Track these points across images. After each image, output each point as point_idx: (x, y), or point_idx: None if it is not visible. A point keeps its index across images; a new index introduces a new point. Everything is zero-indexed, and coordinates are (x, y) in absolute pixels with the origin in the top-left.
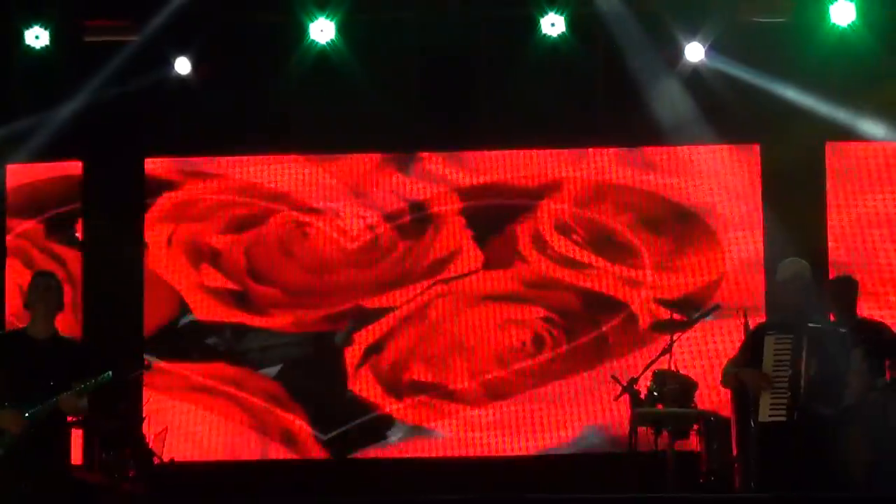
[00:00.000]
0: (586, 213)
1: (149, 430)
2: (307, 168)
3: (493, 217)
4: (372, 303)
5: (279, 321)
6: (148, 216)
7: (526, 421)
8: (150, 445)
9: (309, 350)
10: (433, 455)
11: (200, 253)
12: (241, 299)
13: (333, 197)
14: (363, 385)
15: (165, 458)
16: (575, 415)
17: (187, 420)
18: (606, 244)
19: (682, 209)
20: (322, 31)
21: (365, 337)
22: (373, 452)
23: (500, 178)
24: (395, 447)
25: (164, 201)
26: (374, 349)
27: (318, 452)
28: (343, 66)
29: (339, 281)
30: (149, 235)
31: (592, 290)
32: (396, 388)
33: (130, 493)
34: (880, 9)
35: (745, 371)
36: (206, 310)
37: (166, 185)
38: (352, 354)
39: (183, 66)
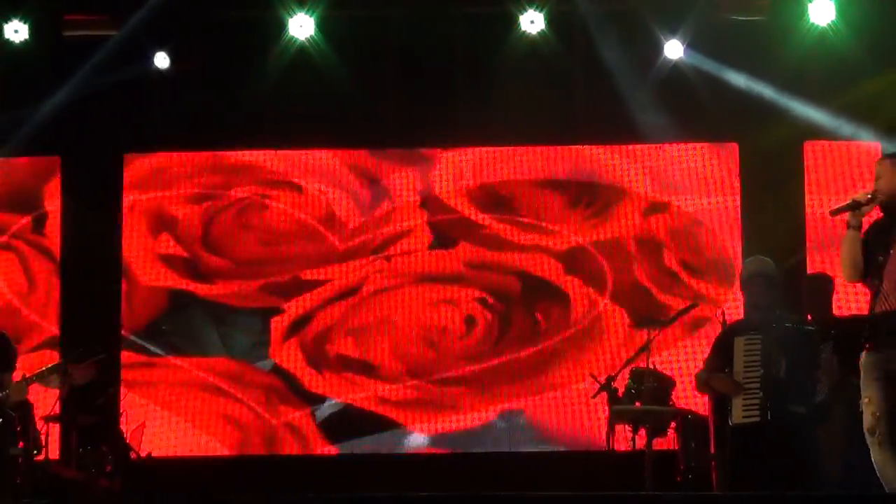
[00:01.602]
0: (559, 211)
1: (126, 425)
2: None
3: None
4: (309, 275)
5: (222, 290)
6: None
7: (442, 401)
8: (128, 440)
9: None
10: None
11: (163, 222)
12: (189, 267)
13: (298, 174)
14: (287, 356)
15: (143, 453)
16: (496, 399)
17: (167, 415)
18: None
19: (661, 207)
20: (301, 26)
21: (295, 308)
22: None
23: (477, 174)
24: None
25: (132, 171)
26: (303, 321)
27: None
28: (322, 63)
29: (287, 253)
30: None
31: (533, 274)
32: (319, 360)
33: (107, 488)
34: (859, 8)
35: (715, 378)
36: (152, 276)
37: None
38: (278, 324)
39: (162, 61)
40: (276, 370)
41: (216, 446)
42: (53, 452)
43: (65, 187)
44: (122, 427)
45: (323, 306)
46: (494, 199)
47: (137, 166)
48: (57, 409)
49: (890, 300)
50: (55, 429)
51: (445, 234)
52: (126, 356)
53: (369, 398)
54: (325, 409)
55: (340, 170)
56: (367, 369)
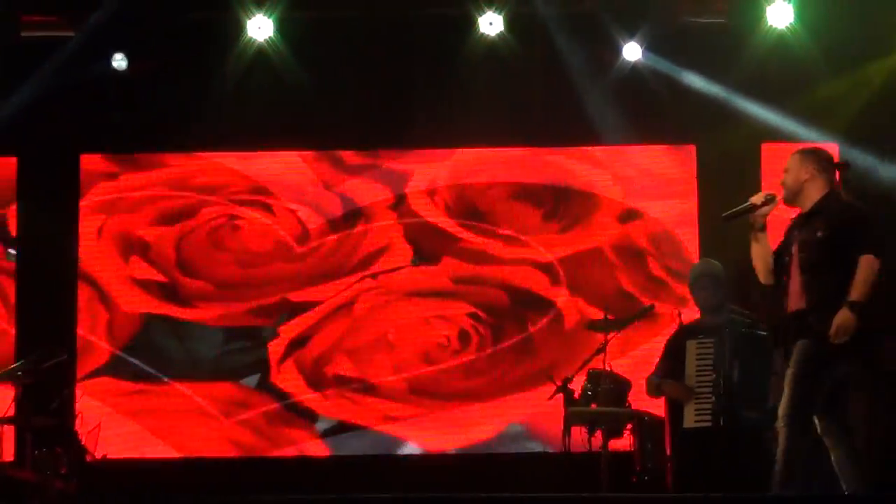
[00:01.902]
0: (521, 215)
1: (82, 426)
2: (239, 164)
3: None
4: (298, 296)
5: (206, 314)
6: (82, 208)
7: (448, 417)
8: (83, 442)
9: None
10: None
11: (131, 245)
12: (168, 292)
13: (265, 191)
14: (286, 378)
15: (98, 455)
16: (499, 412)
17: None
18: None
19: (620, 209)
20: (260, 28)
21: (290, 330)
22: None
23: (438, 176)
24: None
25: (97, 193)
26: (299, 343)
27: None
28: (281, 64)
29: (268, 274)
30: (81, 227)
31: (520, 288)
32: (319, 382)
33: (62, 490)
34: (818, 10)
35: (666, 384)
36: (131, 302)
37: (101, 177)
38: (275, 348)
39: (120, 62)
40: (267, 388)
41: (171, 450)
42: (7, 454)
43: (21, 188)
44: (78, 429)
45: (318, 327)
46: (468, 208)
47: (102, 189)
48: (11, 411)
49: (796, 300)
50: (10, 431)
51: (424, 248)
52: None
53: (373, 417)
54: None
55: (307, 183)
56: (368, 388)
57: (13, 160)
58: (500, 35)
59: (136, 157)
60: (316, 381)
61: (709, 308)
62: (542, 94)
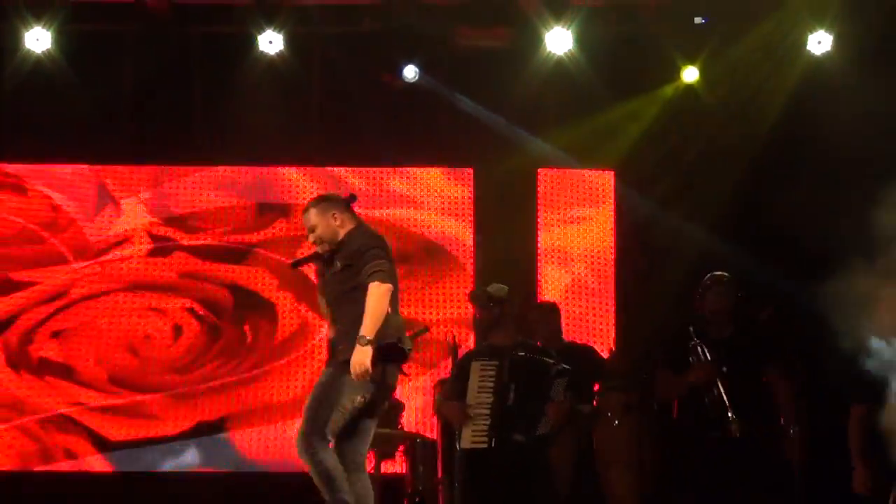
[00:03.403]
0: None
1: None
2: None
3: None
4: (21, 276)
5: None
6: None
7: (140, 410)
8: None
9: None
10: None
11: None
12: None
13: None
14: None
15: None
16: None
17: None
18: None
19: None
20: (38, 40)
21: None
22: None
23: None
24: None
25: None
26: (7, 323)
27: None
28: (58, 76)
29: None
30: None
31: (245, 288)
32: (19, 362)
33: None
34: (596, 38)
35: (446, 405)
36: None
37: None
38: None
39: None
40: None
41: None
42: None
43: None
44: None
45: (29, 308)
46: (213, 217)
47: None
48: None
49: (330, 329)
50: None
51: (161, 245)
52: None
53: (68, 403)
54: None
55: (71, 177)
56: (68, 373)
57: None
58: (279, 54)
59: None
60: (17, 361)
61: (494, 330)
62: (322, 114)
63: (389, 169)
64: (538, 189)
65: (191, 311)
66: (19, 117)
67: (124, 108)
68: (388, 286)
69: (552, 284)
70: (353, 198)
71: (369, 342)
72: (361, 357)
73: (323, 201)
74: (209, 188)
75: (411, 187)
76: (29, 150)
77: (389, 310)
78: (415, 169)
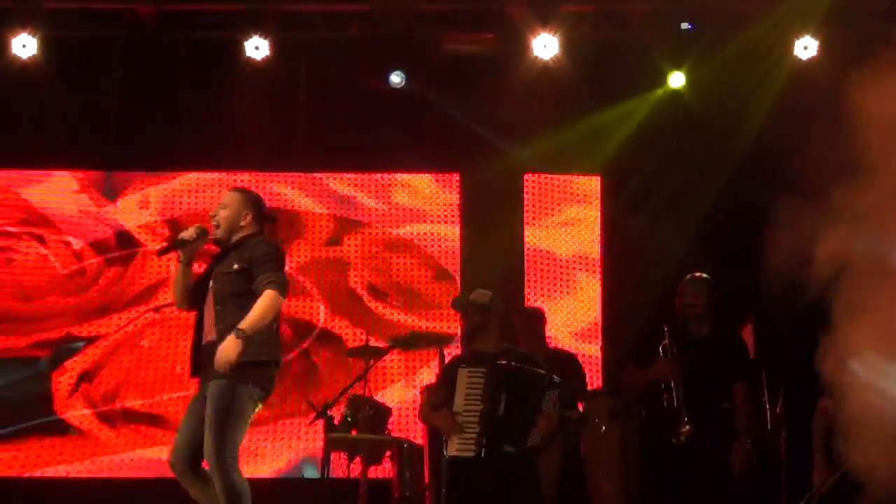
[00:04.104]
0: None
1: None
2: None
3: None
4: (81, 330)
5: None
6: None
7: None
8: None
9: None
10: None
11: None
12: None
13: (37, 220)
14: (76, 413)
15: None
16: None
17: None
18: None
19: (387, 237)
20: (24, 46)
21: (77, 364)
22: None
23: (206, 203)
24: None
25: None
26: (87, 377)
27: None
28: (43, 82)
29: (47, 308)
30: None
31: (301, 319)
32: (110, 416)
33: None
34: (582, 43)
35: (433, 415)
36: None
37: None
38: (65, 382)
39: None
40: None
41: None
42: None
43: None
44: None
45: (104, 361)
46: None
47: None
48: None
49: (209, 330)
50: None
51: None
52: None
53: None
54: None
55: (78, 207)
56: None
57: None
58: (265, 59)
59: None
60: (106, 415)
61: (478, 337)
62: (309, 119)
63: (376, 174)
64: (525, 194)
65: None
66: (4, 123)
67: (111, 115)
68: (282, 300)
69: (538, 290)
70: (272, 219)
71: (245, 338)
72: (231, 348)
73: (247, 196)
74: (195, 193)
75: (398, 193)
76: (14, 157)
77: (271, 327)
78: (402, 175)
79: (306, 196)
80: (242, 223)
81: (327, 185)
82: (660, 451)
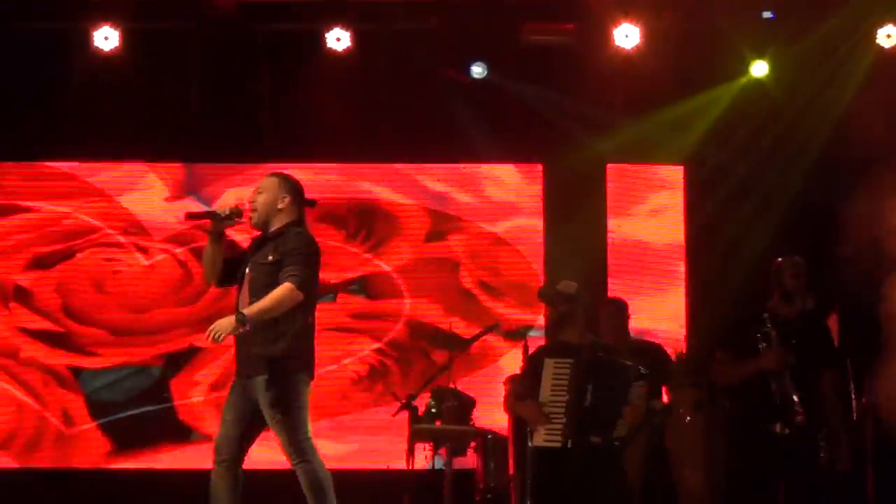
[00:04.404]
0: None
1: None
2: (104, 203)
3: None
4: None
5: (109, 361)
6: None
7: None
8: None
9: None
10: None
11: (5, 292)
12: (62, 341)
13: (136, 229)
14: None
15: None
16: (343, 428)
17: None
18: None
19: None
20: (107, 39)
21: (209, 377)
22: None
23: None
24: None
25: None
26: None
27: None
28: (125, 75)
29: (164, 319)
30: None
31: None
32: None
33: None
34: (664, 33)
35: (521, 406)
36: (30, 351)
37: None
38: (198, 392)
39: None
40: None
41: None
42: None
43: None
44: None
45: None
46: None
47: None
48: None
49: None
50: None
51: None
52: None
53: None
54: None
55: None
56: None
57: None
58: (347, 51)
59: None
60: None
61: (564, 328)
62: (389, 112)
63: (458, 165)
64: (607, 184)
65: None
66: (87, 116)
67: (191, 107)
68: (300, 295)
69: (622, 280)
70: (311, 202)
71: (245, 323)
72: (227, 325)
73: (286, 180)
74: None
75: (481, 184)
76: (96, 150)
77: (306, 321)
78: (484, 165)
79: (394, 190)
80: (280, 206)
81: (413, 177)
82: (760, 442)
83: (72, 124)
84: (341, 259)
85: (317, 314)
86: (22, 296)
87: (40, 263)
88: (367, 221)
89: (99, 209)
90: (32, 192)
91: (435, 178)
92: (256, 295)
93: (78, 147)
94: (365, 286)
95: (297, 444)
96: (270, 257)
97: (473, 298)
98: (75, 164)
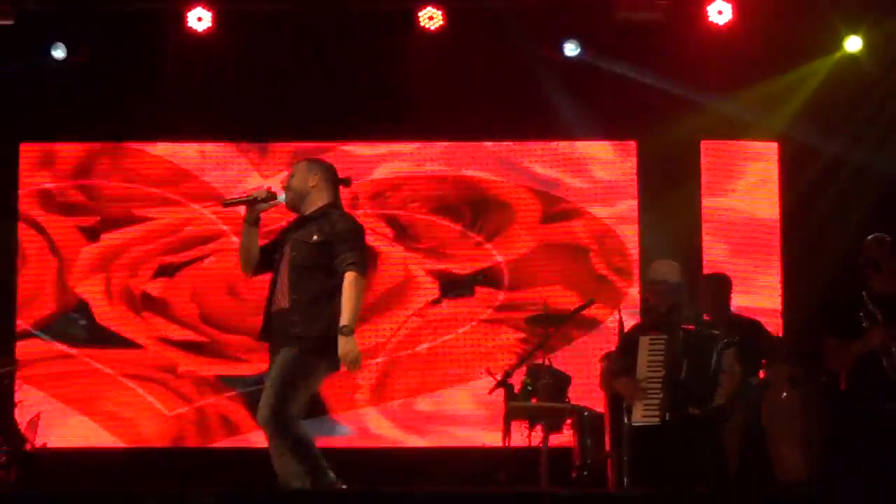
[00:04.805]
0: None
1: (21, 416)
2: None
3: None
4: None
5: (256, 368)
6: (76, 266)
7: (390, 410)
8: (23, 431)
9: None
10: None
11: (135, 302)
12: (211, 350)
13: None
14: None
15: (38, 444)
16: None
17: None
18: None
19: (563, 205)
20: (200, 19)
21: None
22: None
23: (380, 172)
24: None
25: (88, 253)
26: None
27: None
28: (220, 55)
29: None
30: (84, 287)
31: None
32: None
33: (1, 479)
34: (758, 8)
35: (619, 382)
36: (183, 363)
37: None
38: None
39: (60, 51)
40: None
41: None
42: None
43: None
44: (17, 417)
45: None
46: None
47: (91, 250)
48: None
49: (282, 298)
50: None
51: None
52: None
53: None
54: None
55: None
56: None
57: None
58: (440, 29)
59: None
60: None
61: (663, 308)
62: (482, 90)
63: (552, 143)
64: (702, 160)
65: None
66: (181, 96)
67: (284, 87)
68: (364, 279)
69: (717, 257)
70: (346, 181)
71: (352, 331)
72: (350, 347)
73: (315, 163)
74: (370, 163)
75: (575, 161)
76: (190, 129)
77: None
78: (578, 143)
79: (497, 173)
80: (312, 184)
81: (499, 153)
82: (875, 419)
83: (164, 105)
84: (462, 250)
85: (456, 310)
86: (153, 304)
87: (167, 272)
88: (480, 210)
89: (217, 213)
90: (137, 198)
91: (535, 160)
92: (298, 273)
93: (170, 127)
94: (492, 276)
95: (281, 413)
96: (315, 237)
97: (607, 282)
98: (175, 145)
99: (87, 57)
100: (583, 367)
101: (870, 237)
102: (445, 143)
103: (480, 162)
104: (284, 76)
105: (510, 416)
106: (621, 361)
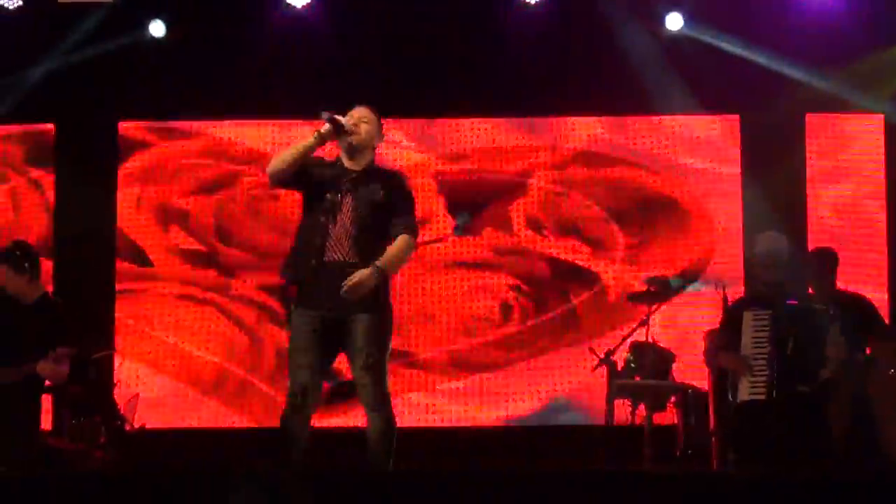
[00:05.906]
0: (563, 188)
1: (120, 396)
2: (278, 133)
3: (467, 187)
4: None
5: (247, 283)
6: (120, 176)
7: (492, 391)
8: (122, 411)
9: None
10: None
11: (168, 214)
12: (208, 260)
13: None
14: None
15: (137, 425)
16: (542, 386)
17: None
18: (580, 223)
19: (664, 182)
20: None
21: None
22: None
23: (475, 146)
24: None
25: (134, 163)
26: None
27: None
28: (319, 31)
29: None
30: (119, 197)
31: (562, 260)
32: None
33: (102, 459)
34: None
35: (725, 356)
36: (171, 270)
37: (137, 146)
38: None
39: (157, 28)
40: None
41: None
42: (46, 423)
43: (59, 155)
44: (116, 398)
45: None
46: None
47: (140, 157)
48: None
49: (340, 249)
50: (47, 400)
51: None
52: None
53: (415, 389)
54: None
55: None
56: (412, 363)
57: (51, 127)
58: (540, 3)
59: (171, 127)
60: None
61: (769, 282)
62: (584, 64)
63: (655, 117)
64: (806, 135)
65: (515, 287)
66: (279, 73)
67: (380, 62)
68: (415, 246)
69: (822, 232)
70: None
71: (382, 274)
72: (370, 281)
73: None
74: (470, 139)
75: (678, 135)
76: (286, 107)
77: None
78: (682, 117)
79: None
80: (375, 143)
81: (598, 127)
82: None
83: (263, 82)
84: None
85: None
86: (182, 218)
87: (204, 188)
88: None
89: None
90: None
91: (628, 131)
92: (362, 229)
93: (266, 104)
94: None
95: (384, 390)
96: (381, 195)
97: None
98: (266, 122)
99: (187, 33)
100: (687, 344)
101: None
102: (543, 118)
103: (577, 137)
104: (383, 51)
105: (613, 393)
106: (726, 335)
